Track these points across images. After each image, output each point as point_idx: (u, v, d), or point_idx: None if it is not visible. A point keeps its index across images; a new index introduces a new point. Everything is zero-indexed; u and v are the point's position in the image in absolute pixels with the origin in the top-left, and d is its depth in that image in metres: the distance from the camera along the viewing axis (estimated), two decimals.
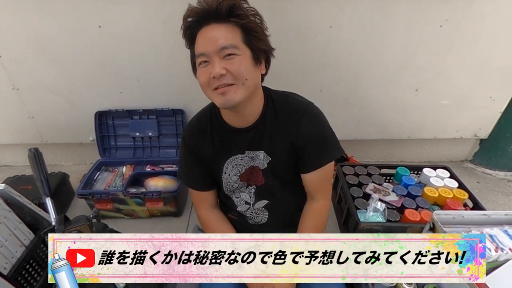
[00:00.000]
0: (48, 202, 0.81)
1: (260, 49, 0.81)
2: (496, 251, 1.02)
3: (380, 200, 1.43)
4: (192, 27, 0.79)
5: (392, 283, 1.07)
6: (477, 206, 1.43)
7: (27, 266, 1.15)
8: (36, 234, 1.22)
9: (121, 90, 1.78)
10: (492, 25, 1.60)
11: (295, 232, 1.01)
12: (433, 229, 1.13)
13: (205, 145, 0.94)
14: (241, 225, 1.06)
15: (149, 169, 1.84)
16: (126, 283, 0.75)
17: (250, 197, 1.00)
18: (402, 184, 1.57)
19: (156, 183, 1.69)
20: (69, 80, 1.72)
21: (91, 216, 0.83)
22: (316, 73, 1.73)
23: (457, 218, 1.16)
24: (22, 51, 1.61)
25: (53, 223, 0.78)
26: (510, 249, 1.02)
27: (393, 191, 1.51)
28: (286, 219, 1.05)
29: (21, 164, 2.14)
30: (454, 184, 1.53)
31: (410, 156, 2.21)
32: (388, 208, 1.41)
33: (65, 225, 0.77)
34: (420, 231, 1.25)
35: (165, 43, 1.62)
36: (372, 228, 1.31)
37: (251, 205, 1.01)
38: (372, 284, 1.09)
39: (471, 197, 1.46)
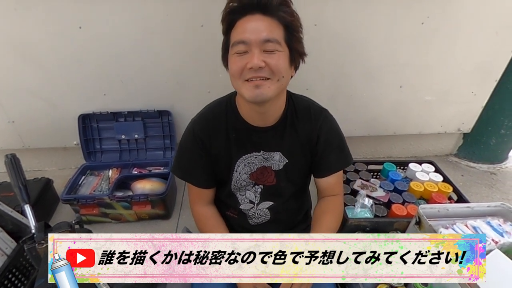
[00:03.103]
0: (27, 209, 0.78)
1: (297, 50, 0.81)
2: None
3: (368, 196, 1.45)
4: (235, 12, 0.76)
5: None
6: (461, 199, 1.46)
7: (10, 276, 1.12)
8: (19, 242, 1.18)
9: (104, 92, 1.74)
10: (472, 21, 1.64)
11: None
12: (419, 223, 1.15)
13: (218, 140, 0.91)
14: (240, 224, 1.03)
15: (135, 172, 1.81)
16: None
17: (256, 196, 0.98)
18: (389, 180, 1.59)
19: (143, 186, 1.67)
20: (51, 82, 1.68)
21: (73, 222, 0.81)
22: (301, 72, 1.71)
23: (442, 211, 1.18)
24: None
25: (33, 231, 0.76)
26: (492, 239, 1.05)
27: (380, 186, 1.53)
28: (287, 222, 1.04)
29: (2, 171, 2.06)
30: (439, 178, 1.56)
31: (397, 151, 2.24)
32: (375, 203, 1.42)
33: (46, 232, 0.75)
34: (407, 225, 1.28)
35: (149, 43, 1.60)
36: (360, 224, 1.33)
37: (255, 204, 0.99)
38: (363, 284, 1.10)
39: (456, 190, 1.49)
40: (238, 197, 0.99)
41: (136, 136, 1.84)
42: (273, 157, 0.92)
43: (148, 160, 1.88)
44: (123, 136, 1.84)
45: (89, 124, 1.81)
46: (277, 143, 0.91)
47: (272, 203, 0.99)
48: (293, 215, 1.05)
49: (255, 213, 1.00)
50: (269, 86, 0.76)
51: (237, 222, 1.03)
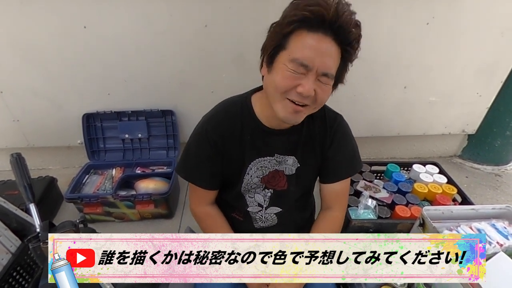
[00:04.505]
0: (32, 208, 0.79)
1: (339, 81, 0.78)
2: None
3: (371, 197, 1.44)
4: (310, 24, 0.66)
5: None
6: (465, 200, 1.45)
7: (14, 274, 1.13)
8: (23, 240, 1.19)
9: (108, 92, 1.75)
10: (478, 21, 1.63)
11: None
12: (423, 225, 1.14)
13: (231, 142, 0.87)
14: (245, 226, 1.00)
15: (139, 171, 1.82)
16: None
17: (265, 200, 0.95)
18: (392, 181, 1.58)
19: (147, 185, 1.67)
20: (55, 82, 1.69)
21: (78, 221, 0.81)
22: None
23: (446, 213, 1.17)
24: (4, 53, 1.57)
25: (38, 230, 0.76)
26: (497, 242, 1.04)
27: (383, 187, 1.52)
28: (292, 226, 1.03)
29: (7, 169, 2.06)
30: (443, 179, 1.55)
31: (400, 152, 2.23)
32: (379, 205, 1.42)
33: (50, 231, 0.75)
34: (411, 227, 1.27)
35: (153, 43, 1.60)
36: (364, 225, 1.32)
37: (264, 208, 0.97)
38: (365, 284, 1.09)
39: (460, 192, 1.48)
40: (246, 199, 0.96)
41: (140, 135, 1.85)
42: (287, 161, 0.91)
43: (152, 160, 1.88)
44: (126, 136, 1.85)
45: (93, 123, 1.82)
46: (291, 147, 0.90)
47: (281, 209, 0.97)
48: (298, 219, 1.04)
49: (262, 216, 0.98)
50: (304, 113, 0.76)
51: (242, 225, 1.01)
